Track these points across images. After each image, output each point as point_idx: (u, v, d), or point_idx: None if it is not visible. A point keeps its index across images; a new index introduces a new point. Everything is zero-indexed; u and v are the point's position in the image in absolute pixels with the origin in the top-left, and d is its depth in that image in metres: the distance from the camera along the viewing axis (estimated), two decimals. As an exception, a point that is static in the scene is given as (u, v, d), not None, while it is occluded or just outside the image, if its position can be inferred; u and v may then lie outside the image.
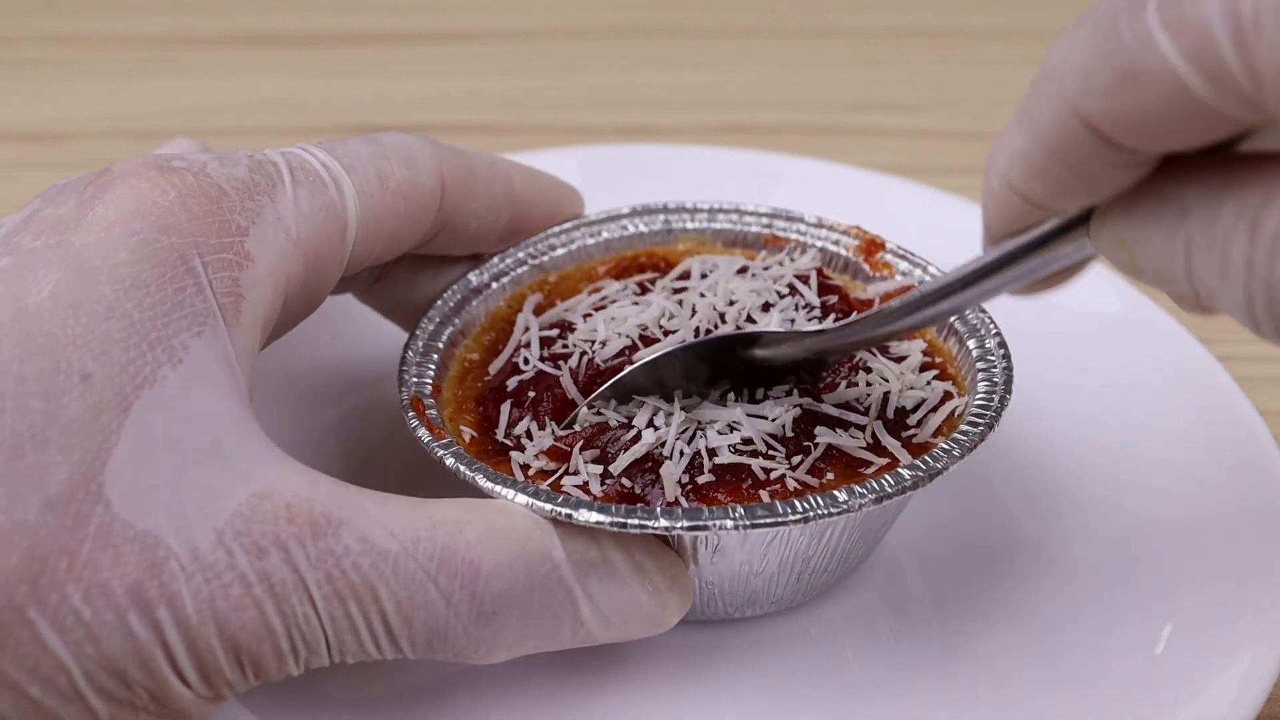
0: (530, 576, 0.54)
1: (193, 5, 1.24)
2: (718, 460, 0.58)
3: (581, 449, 0.58)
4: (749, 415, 0.59)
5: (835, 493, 0.55)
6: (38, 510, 0.47)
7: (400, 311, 0.70)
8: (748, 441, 0.59)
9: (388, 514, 0.52)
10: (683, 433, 0.59)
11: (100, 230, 0.52)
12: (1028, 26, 1.17)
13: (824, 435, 0.59)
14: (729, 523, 0.54)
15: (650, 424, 0.59)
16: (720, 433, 0.59)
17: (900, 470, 0.56)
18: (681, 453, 0.58)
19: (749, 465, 0.58)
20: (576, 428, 0.60)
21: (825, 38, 1.18)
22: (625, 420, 0.60)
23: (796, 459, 0.58)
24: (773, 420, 0.59)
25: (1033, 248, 0.49)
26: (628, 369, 0.61)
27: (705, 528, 0.54)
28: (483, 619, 0.53)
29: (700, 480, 0.57)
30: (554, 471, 0.59)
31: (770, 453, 0.58)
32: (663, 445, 0.58)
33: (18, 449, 0.47)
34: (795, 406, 0.60)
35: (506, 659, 0.56)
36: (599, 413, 0.61)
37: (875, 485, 0.55)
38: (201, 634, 0.49)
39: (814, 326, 0.62)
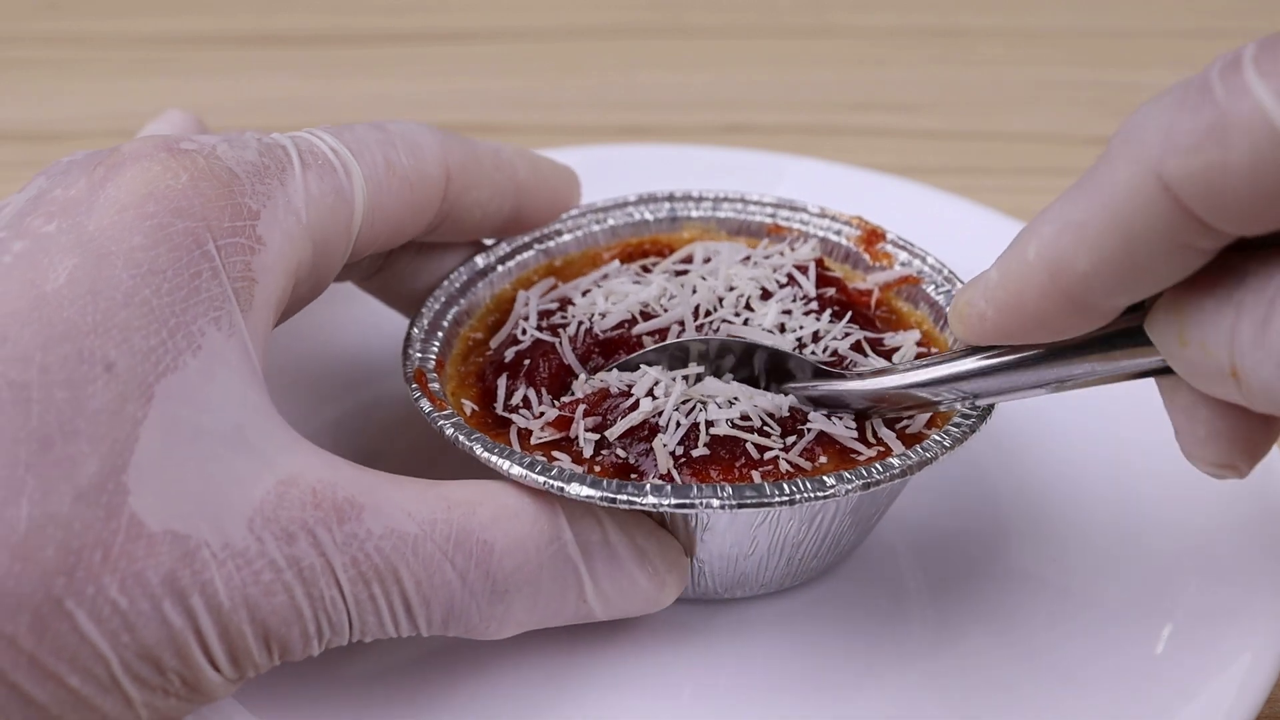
0: (540, 556, 0.56)
1: (193, 5, 1.24)
2: (714, 432, 0.58)
3: (584, 415, 0.59)
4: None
5: (824, 478, 0.56)
6: (70, 502, 0.47)
7: (401, 299, 0.70)
8: (745, 418, 0.59)
9: (405, 497, 0.54)
10: (682, 403, 0.59)
11: (114, 213, 0.52)
12: (1028, 26, 1.16)
13: (817, 421, 0.59)
14: (715, 502, 0.55)
15: (650, 393, 0.59)
16: (720, 406, 0.59)
17: (891, 459, 0.57)
18: (678, 424, 0.58)
19: (744, 442, 0.58)
20: (578, 393, 0.60)
21: (825, 38, 1.18)
22: (626, 388, 0.60)
23: (791, 439, 0.59)
24: (771, 399, 0.60)
25: (1089, 349, 0.50)
26: (641, 352, 0.62)
27: (692, 506, 0.55)
28: (495, 596, 0.55)
29: (695, 453, 0.58)
30: (555, 441, 0.59)
31: (766, 429, 0.59)
32: (660, 415, 0.58)
33: (47, 440, 0.47)
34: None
35: (513, 634, 0.57)
36: (603, 382, 0.61)
37: (865, 472, 0.56)
38: (233, 620, 0.50)
39: (841, 371, 0.62)
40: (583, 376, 0.62)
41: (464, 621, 0.55)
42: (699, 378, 0.61)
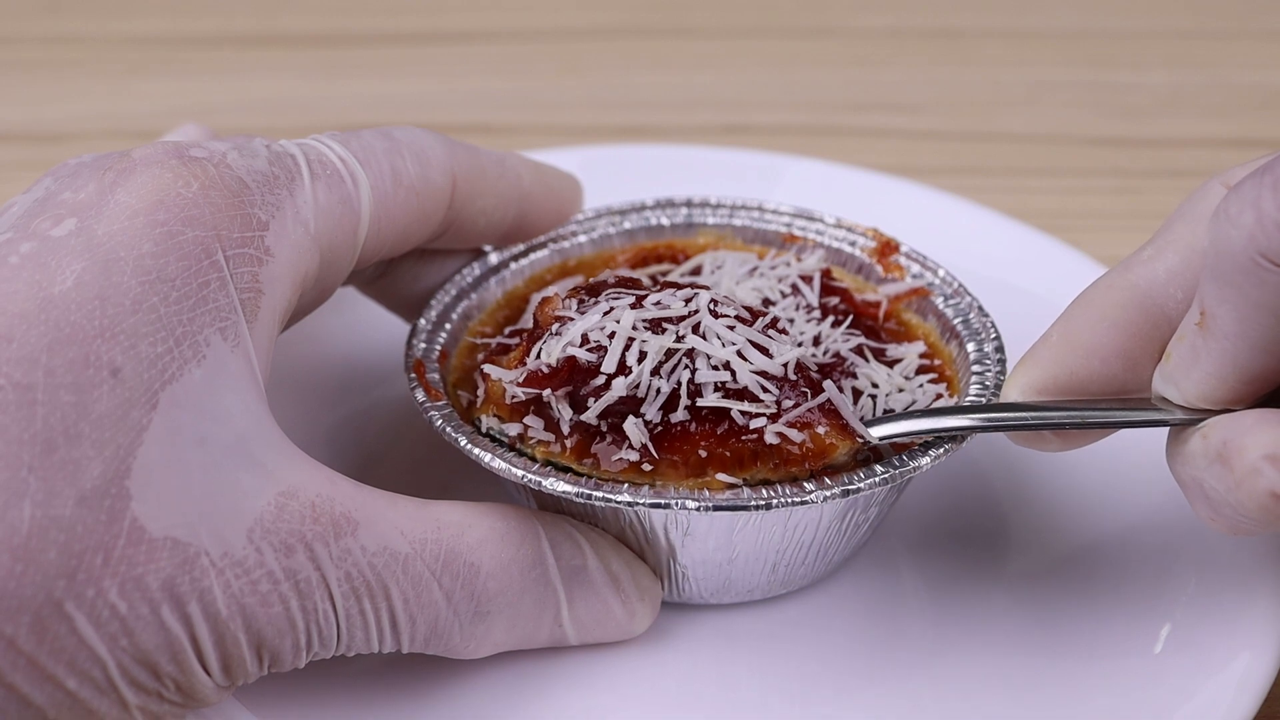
0: (523, 580, 0.57)
1: (193, 5, 1.24)
2: (700, 402, 0.57)
3: (554, 389, 0.58)
4: (750, 343, 0.58)
5: (805, 483, 0.56)
6: (73, 505, 0.48)
7: (402, 304, 0.71)
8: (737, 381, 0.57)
9: (398, 515, 0.55)
10: (664, 362, 0.58)
11: (124, 219, 0.52)
12: (1027, 26, 1.16)
13: (830, 391, 0.58)
14: (691, 504, 0.55)
15: (623, 362, 0.57)
16: (714, 367, 0.58)
17: (874, 466, 0.57)
18: (659, 391, 0.57)
19: (729, 409, 0.57)
20: (544, 354, 0.58)
21: (825, 38, 1.18)
22: (596, 347, 0.58)
23: (789, 403, 0.58)
24: (776, 359, 0.58)
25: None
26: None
27: (668, 506, 0.55)
28: (478, 618, 0.56)
29: (674, 418, 0.57)
30: (530, 400, 0.59)
31: (764, 393, 0.57)
32: (637, 387, 0.57)
33: (50, 443, 0.48)
34: (800, 345, 0.60)
35: (489, 654, 0.58)
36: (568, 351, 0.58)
37: (846, 479, 0.56)
38: (229, 629, 0.50)
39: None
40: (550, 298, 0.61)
41: (445, 641, 0.56)
42: (695, 326, 0.58)
